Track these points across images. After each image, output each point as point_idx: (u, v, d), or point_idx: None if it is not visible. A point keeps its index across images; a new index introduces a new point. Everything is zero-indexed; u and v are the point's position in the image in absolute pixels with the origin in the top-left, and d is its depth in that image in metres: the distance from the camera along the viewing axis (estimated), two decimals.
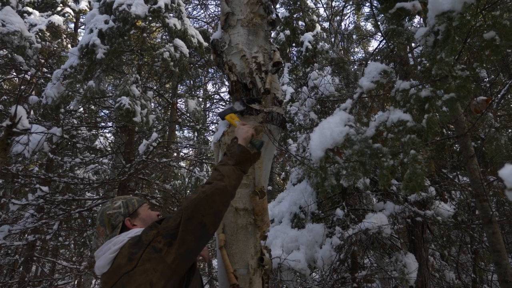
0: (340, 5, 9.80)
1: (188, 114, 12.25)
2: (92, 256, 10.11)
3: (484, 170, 5.82)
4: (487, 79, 6.37)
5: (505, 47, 2.14)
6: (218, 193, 1.76)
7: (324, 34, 9.30)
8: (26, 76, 8.43)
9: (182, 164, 13.50)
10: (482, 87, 5.96)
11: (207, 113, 15.81)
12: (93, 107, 9.70)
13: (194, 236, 1.65)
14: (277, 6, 9.24)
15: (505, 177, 1.04)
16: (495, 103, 5.68)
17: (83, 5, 11.14)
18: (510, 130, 6.46)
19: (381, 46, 5.06)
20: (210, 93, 16.59)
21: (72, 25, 11.97)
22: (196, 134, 14.90)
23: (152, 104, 9.96)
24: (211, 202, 1.73)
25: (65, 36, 10.83)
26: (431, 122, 2.13)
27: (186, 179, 12.02)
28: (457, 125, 4.05)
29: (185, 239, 1.63)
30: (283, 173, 12.22)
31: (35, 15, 9.91)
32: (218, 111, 2.61)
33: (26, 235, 7.92)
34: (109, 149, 9.62)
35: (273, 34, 8.85)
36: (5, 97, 9.54)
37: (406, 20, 2.99)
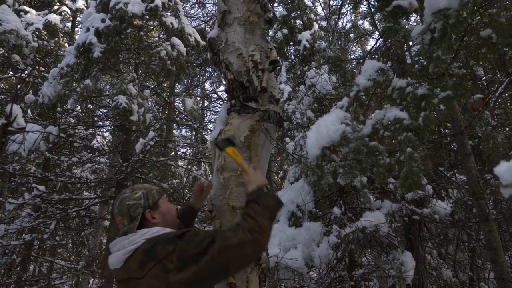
0: (338, 4, 9.79)
1: (185, 113, 12.24)
2: (90, 255, 10.10)
3: (481, 168, 5.83)
4: (484, 77, 6.38)
5: (501, 45, 2.14)
6: (255, 248, 1.64)
7: (322, 32, 9.30)
8: (23, 75, 8.40)
9: (180, 163, 13.49)
10: (479, 86, 5.97)
11: (204, 112, 15.80)
12: (90, 106, 9.67)
13: (212, 277, 1.58)
14: (275, 4, 9.24)
15: (501, 174, 1.04)
16: (492, 102, 5.69)
17: (80, 3, 11.10)
18: (507, 129, 6.49)
19: (378, 44, 5.07)
20: (208, 92, 16.57)
21: (69, 24, 11.94)
22: (193, 133, 14.91)
23: (150, 103, 9.94)
24: (244, 254, 1.60)
25: (62, 35, 10.79)
26: (427, 120, 2.12)
27: (184, 178, 12.01)
28: (454, 123, 4.05)
29: (201, 275, 1.54)
30: (281, 172, 12.23)
31: (32, 14, 9.86)
32: (216, 140, 2.41)
33: (23, 235, 7.90)
34: (106, 148, 9.60)
35: (270, 32, 8.85)
36: (2, 96, 9.50)
37: (403, 18, 2.99)
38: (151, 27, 9.24)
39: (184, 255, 1.55)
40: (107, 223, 10.24)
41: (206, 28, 12.16)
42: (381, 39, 4.24)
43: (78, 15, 11.42)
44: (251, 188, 1.92)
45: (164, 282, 1.52)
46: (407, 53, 5.73)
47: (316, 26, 8.80)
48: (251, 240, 1.61)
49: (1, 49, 8.39)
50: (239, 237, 1.60)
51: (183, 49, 7.60)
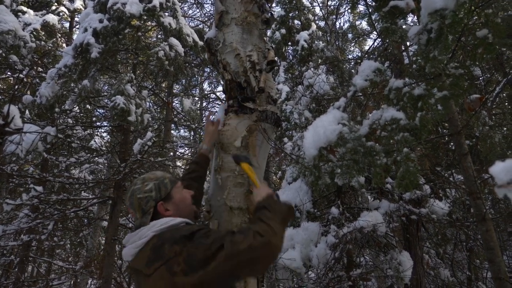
0: (336, 4, 9.81)
1: (183, 113, 12.24)
2: (88, 256, 10.10)
3: (478, 168, 5.85)
4: (481, 77, 6.40)
5: (498, 45, 2.14)
6: (267, 251, 1.54)
7: (320, 32, 9.31)
8: (21, 75, 8.39)
9: (178, 163, 13.49)
10: (476, 85, 5.99)
11: (202, 112, 15.80)
12: (88, 106, 9.66)
13: (220, 280, 1.49)
14: (273, 5, 9.24)
15: (496, 174, 1.05)
16: (490, 102, 5.70)
17: (78, 4, 11.08)
18: (504, 128, 6.50)
19: (376, 44, 5.08)
20: (206, 92, 16.58)
21: (67, 24, 11.91)
22: (192, 133, 14.91)
23: (148, 103, 9.95)
24: (255, 259, 1.51)
25: (59, 35, 10.78)
26: (424, 120, 2.13)
27: None
28: (451, 123, 4.06)
29: (207, 280, 1.47)
30: (279, 172, 12.23)
31: (30, 14, 9.84)
32: (233, 154, 2.37)
33: (21, 235, 7.88)
34: (105, 148, 9.59)
35: (269, 33, 8.86)
36: (0, 97, 9.49)
37: (400, 19, 2.99)
38: (149, 28, 9.24)
39: (191, 259, 1.49)
40: (105, 223, 10.22)
41: (204, 29, 12.16)
42: (379, 39, 4.26)
43: (76, 16, 11.39)
44: (261, 197, 1.86)
45: (170, 284, 1.48)
46: (404, 54, 5.75)
47: (314, 26, 8.82)
48: (262, 243, 1.51)
49: None
50: (248, 241, 1.50)
51: (181, 49, 7.60)
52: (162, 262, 1.51)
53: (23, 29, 8.79)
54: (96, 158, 9.51)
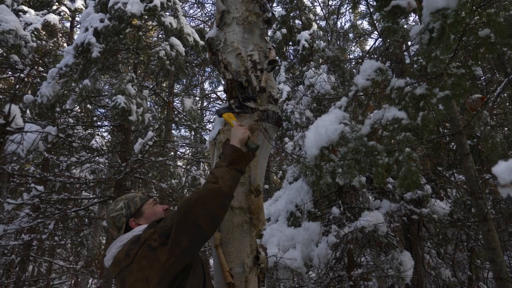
0: (337, 4, 9.80)
1: (184, 113, 12.24)
2: (89, 255, 10.12)
3: (480, 168, 5.84)
4: (483, 77, 6.39)
5: (500, 45, 2.14)
6: (212, 194, 1.77)
7: (321, 32, 9.31)
8: (22, 75, 8.39)
9: (179, 163, 13.49)
10: (478, 85, 5.98)
11: (203, 112, 15.80)
12: (89, 106, 9.67)
13: (188, 237, 1.67)
14: (274, 4, 9.24)
15: (499, 173, 1.04)
16: (491, 101, 5.70)
17: (79, 3, 11.09)
18: (506, 129, 6.49)
19: (377, 44, 5.07)
20: (206, 91, 16.58)
21: (67, 24, 11.93)
22: (192, 133, 14.89)
23: (148, 103, 9.94)
24: (205, 203, 1.73)
25: (60, 35, 10.78)
26: (426, 120, 2.12)
27: (183, 178, 12.01)
28: (453, 123, 4.06)
29: (179, 239, 1.66)
30: (280, 172, 12.22)
31: (31, 14, 9.84)
32: (216, 109, 2.70)
33: (22, 235, 7.89)
34: (105, 148, 9.59)
35: (269, 32, 8.85)
36: (0, 96, 9.49)
37: (402, 18, 2.99)
38: (150, 27, 9.25)
39: (163, 230, 1.71)
40: (105, 223, 10.22)
41: (205, 28, 12.15)
42: (380, 39, 4.25)
43: (77, 15, 11.41)
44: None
45: (155, 262, 1.62)
46: (406, 53, 5.74)
47: (315, 26, 8.81)
48: (205, 190, 1.77)
49: (0, 49, 8.38)
50: (195, 192, 1.78)
51: (182, 49, 7.59)
52: (139, 245, 1.69)
53: (24, 29, 8.79)
54: (97, 158, 9.50)
